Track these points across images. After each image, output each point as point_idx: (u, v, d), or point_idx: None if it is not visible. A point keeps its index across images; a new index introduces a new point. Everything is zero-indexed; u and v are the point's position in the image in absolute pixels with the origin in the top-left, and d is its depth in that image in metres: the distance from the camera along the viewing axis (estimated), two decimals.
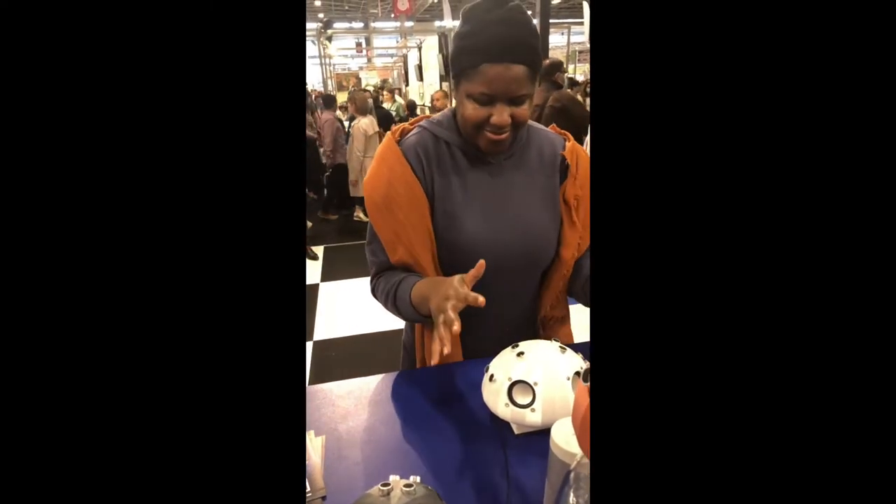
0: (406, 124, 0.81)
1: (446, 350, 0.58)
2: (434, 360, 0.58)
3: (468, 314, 0.82)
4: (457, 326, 0.58)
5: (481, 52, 0.66)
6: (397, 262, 0.78)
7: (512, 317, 0.85)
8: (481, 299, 0.61)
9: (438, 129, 0.79)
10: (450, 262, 0.79)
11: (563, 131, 0.86)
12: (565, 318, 0.89)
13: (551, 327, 0.88)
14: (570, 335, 0.91)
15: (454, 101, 0.77)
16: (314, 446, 0.65)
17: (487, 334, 0.84)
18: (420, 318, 0.76)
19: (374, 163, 0.79)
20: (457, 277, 0.66)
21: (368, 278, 0.85)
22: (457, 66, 0.70)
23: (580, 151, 0.83)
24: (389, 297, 0.77)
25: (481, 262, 0.64)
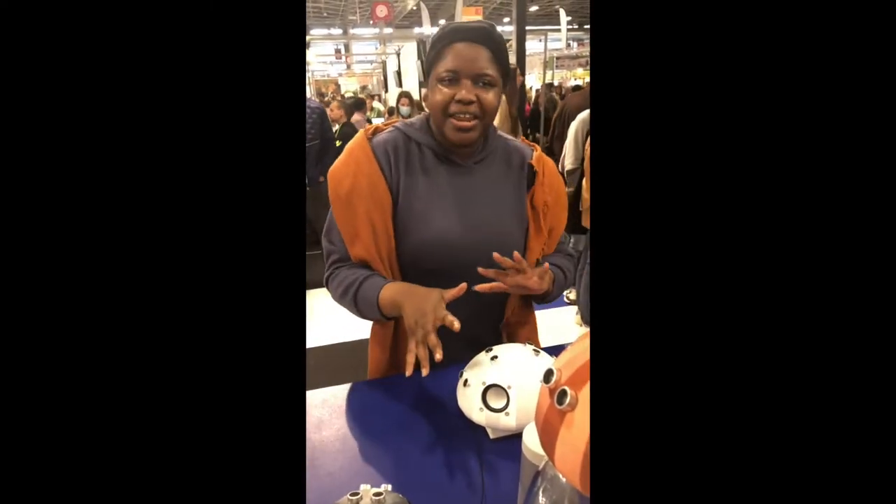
0: (380, 124, 0.83)
1: (424, 372, 0.62)
2: (408, 371, 0.62)
3: None
4: (438, 355, 0.62)
5: (448, 35, 0.73)
6: (355, 255, 0.78)
7: (474, 321, 0.84)
8: (457, 324, 0.63)
9: (411, 129, 0.80)
10: (413, 259, 0.79)
11: (531, 143, 0.89)
12: (528, 323, 0.90)
13: (513, 333, 0.88)
14: (535, 340, 0.91)
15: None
16: None
17: (448, 339, 0.84)
18: (381, 320, 0.78)
19: (342, 156, 0.79)
20: (436, 292, 0.68)
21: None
22: (430, 59, 0.76)
23: (547, 161, 0.86)
24: (349, 293, 0.77)
25: (463, 284, 0.67)
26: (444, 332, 0.81)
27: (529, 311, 0.90)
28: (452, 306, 0.67)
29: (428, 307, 0.65)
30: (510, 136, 0.87)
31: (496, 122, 0.79)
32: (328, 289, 0.83)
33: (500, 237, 0.80)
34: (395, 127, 0.81)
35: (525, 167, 0.84)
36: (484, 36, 0.73)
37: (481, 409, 0.64)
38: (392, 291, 0.73)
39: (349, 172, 0.76)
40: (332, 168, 0.79)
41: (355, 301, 0.77)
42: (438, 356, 0.62)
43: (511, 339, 0.88)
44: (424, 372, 0.62)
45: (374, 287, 0.75)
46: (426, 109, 0.81)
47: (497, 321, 0.88)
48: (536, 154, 0.85)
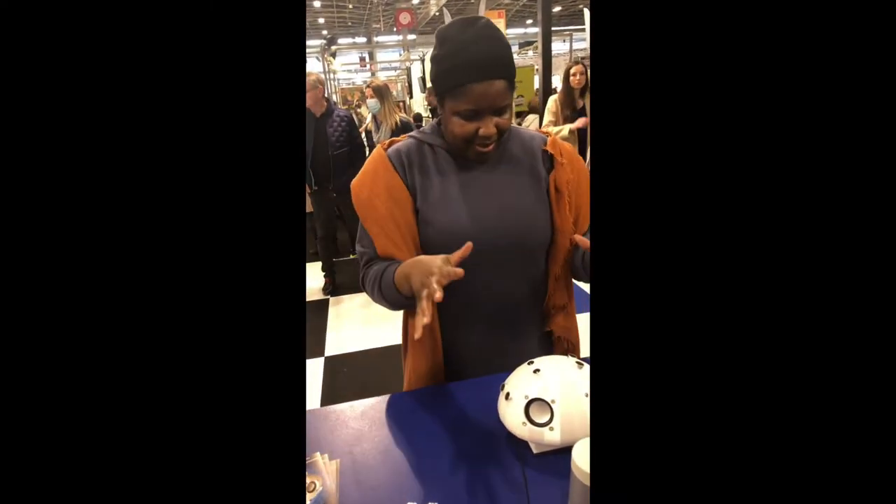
0: (398, 138, 0.87)
1: (426, 320, 0.58)
2: (418, 334, 0.58)
3: (457, 305, 0.83)
4: (439, 294, 0.60)
5: (464, 72, 0.71)
6: (382, 251, 0.82)
7: (505, 304, 0.85)
8: (460, 271, 0.63)
9: (422, 135, 0.85)
10: (437, 248, 0.80)
11: (545, 130, 0.91)
12: (566, 307, 0.90)
13: (552, 317, 0.88)
14: (570, 328, 0.90)
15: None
16: (329, 471, 0.64)
17: (477, 318, 0.85)
18: (403, 302, 0.77)
19: (362, 168, 0.85)
20: (441, 256, 0.68)
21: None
22: (441, 86, 0.75)
23: (563, 144, 0.87)
24: (376, 284, 0.80)
25: (468, 244, 0.67)
26: (469, 306, 0.83)
27: (565, 294, 0.89)
28: (480, 287, 0.69)
29: (433, 267, 0.65)
30: (521, 127, 0.89)
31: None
32: (364, 289, 0.86)
33: (516, 213, 0.81)
34: (408, 137, 0.86)
35: (539, 152, 0.86)
36: (498, 67, 0.71)
37: (524, 423, 0.62)
38: (404, 267, 0.74)
39: (367, 181, 0.82)
40: (354, 181, 0.84)
41: (381, 290, 0.79)
42: (438, 296, 0.60)
43: (552, 325, 0.88)
44: (426, 319, 0.59)
45: (391, 272, 0.77)
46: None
47: (534, 305, 0.88)
48: (550, 139, 0.87)
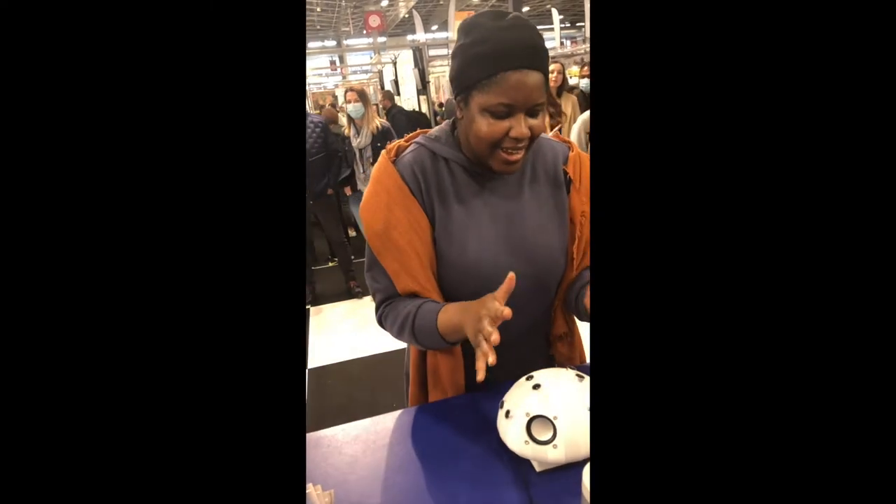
0: (402, 141, 0.78)
1: (492, 360, 0.56)
2: (481, 377, 0.56)
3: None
4: (496, 336, 0.56)
5: (498, 59, 0.62)
6: (403, 290, 0.74)
7: (521, 343, 0.81)
8: (507, 311, 0.58)
9: (436, 145, 0.75)
10: (452, 284, 0.75)
11: (566, 139, 0.83)
12: (565, 336, 0.85)
13: (553, 344, 0.85)
14: (572, 357, 0.86)
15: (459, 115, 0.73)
16: (323, 503, 0.61)
17: (498, 362, 0.81)
18: (445, 347, 0.73)
19: (370, 186, 0.75)
20: (488, 296, 0.63)
21: (361, 299, 0.81)
22: (466, 79, 0.66)
23: (584, 162, 0.78)
24: (406, 327, 0.73)
25: (511, 274, 0.61)
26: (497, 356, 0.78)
27: (565, 322, 0.86)
28: (502, 326, 0.62)
29: (482, 311, 0.61)
30: (542, 135, 0.81)
31: None
32: (385, 329, 0.79)
33: (540, 257, 0.76)
34: (417, 143, 0.77)
35: (560, 170, 0.78)
36: (535, 56, 0.63)
37: (526, 441, 0.60)
38: (449, 315, 0.68)
39: (381, 205, 0.72)
40: (363, 203, 0.75)
41: (414, 335, 0.72)
42: (496, 337, 0.56)
43: (554, 352, 0.85)
44: (492, 360, 0.57)
45: (429, 316, 0.70)
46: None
47: (544, 338, 0.84)
48: (572, 155, 0.78)
